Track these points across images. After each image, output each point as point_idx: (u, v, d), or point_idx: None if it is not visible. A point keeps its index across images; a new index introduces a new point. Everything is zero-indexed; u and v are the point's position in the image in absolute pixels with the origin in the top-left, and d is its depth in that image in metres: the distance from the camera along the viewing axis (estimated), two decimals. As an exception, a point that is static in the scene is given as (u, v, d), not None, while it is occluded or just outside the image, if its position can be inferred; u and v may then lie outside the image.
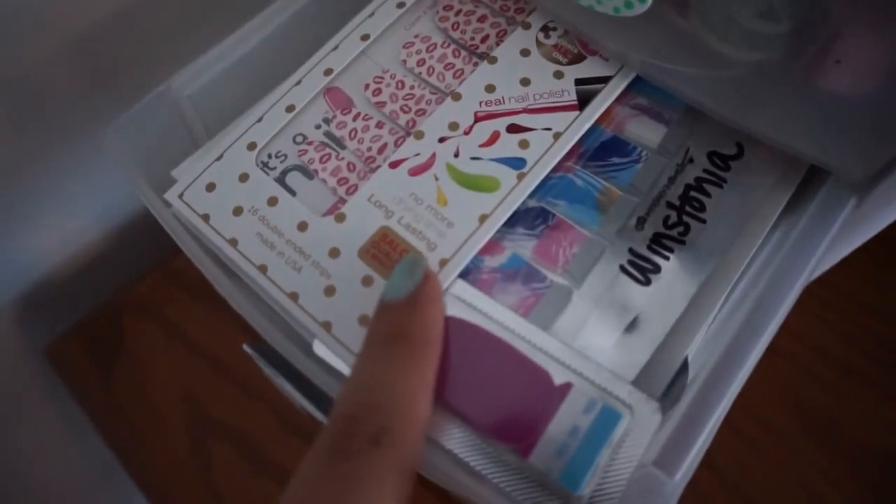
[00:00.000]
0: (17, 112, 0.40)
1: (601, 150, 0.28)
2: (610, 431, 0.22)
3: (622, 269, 0.25)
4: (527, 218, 0.27)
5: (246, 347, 0.32)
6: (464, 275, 0.25)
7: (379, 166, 0.28)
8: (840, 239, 0.25)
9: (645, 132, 0.28)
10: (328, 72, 0.30)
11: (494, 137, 0.27)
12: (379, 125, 0.29)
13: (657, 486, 0.21)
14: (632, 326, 0.25)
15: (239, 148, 0.28)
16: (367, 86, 0.30)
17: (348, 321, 0.25)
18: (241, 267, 0.26)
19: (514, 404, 0.23)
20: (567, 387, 0.23)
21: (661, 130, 0.28)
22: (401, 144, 0.28)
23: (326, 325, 0.25)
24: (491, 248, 0.26)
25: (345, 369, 0.25)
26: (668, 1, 0.24)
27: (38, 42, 0.38)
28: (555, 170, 0.27)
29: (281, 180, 0.28)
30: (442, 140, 0.28)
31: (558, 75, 0.28)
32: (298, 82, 0.30)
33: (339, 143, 0.29)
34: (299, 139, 0.29)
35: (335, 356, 0.25)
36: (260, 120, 0.29)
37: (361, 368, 0.22)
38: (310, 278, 0.25)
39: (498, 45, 0.29)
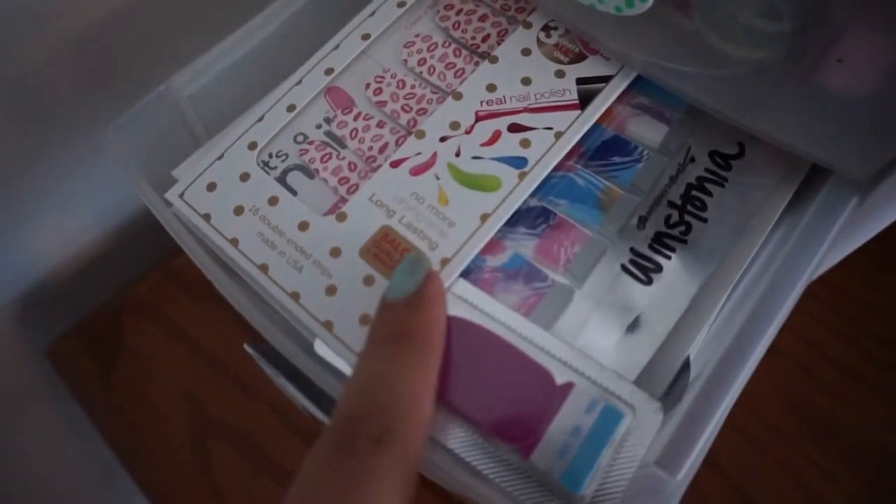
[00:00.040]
0: (17, 112, 0.40)
1: (602, 149, 0.28)
2: (612, 431, 0.22)
3: (624, 268, 0.25)
4: (528, 217, 0.26)
5: (247, 347, 0.32)
6: (465, 274, 0.25)
7: (380, 166, 0.28)
8: (841, 238, 0.25)
9: (646, 131, 0.28)
10: (329, 71, 0.30)
11: (496, 137, 0.27)
12: (380, 124, 0.29)
13: (659, 485, 0.21)
14: (633, 326, 0.25)
15: (240, 147, 0.28)
16: (367, 85, 0.30)
17: (350, 321, 0.25)
18: (242, 266, 0.26)
19: (516, 404, 0.23)
20: (569, 386, 0.23)
21: (662, 130, 0.28)
22: (402, 144, 0.28)
23: (328, 325, 0.25)
24: (492, 247, 0.26)
25: (346, 369, 0.25)
26: (670, 0, 0.24)
27: (38, 42, 0.38)
28: (556, 169, 0.27)
29: (282, 180, 0.28)
30: (443, 139, 0.28)
31: (559, 74, 0.28)
32: (299, 82, 0.30)
33: (340, 143, 0.29)
34: (300, 139, 0.29)
35: (336, 356, 0.25)
36: (261, 119, 0.29)
37: (364, 368, 0.22)
38: (311, 278, 0.25)
39: (499, 44, 0.29)
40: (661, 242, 0.26)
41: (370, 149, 0.28)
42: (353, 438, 0.20)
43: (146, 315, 0.47)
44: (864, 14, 0.21)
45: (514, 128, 0.27)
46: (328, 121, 0.29)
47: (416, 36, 0.31)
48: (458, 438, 0.23)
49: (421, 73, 0.30)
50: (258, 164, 0.28)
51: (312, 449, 0.20)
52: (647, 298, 0.25)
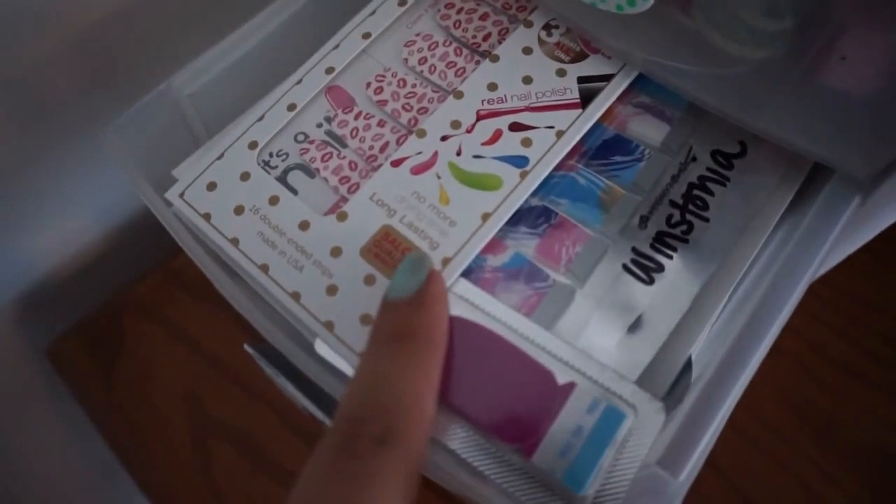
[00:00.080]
0: (17, 112, 0.40)
1: (604, 148, 0.28)
2: (614, 431, 0.22)
3: (625, 268, 0.25)
4: (529, 217, 0.26)
5: (247, 347, 0.32)
6: (466, 274, 0.25)
7: (381, 165, 0.27)
8: (844, 238, 0.25)
9: (648, 130, 0.28)
10: (329, 70, 0.30)
11: (497, 136, 0.27)
12: (381, 124, 0.29)
13: (661, 486, 0.21)
14: (635, 325, 0.24)
15: (240, 147, 0.28)
16: (368, 84, 0.30)
17: (350, 320, 0.25)
18: (242, 266, 0.26)
19: (517, 404, 0.23)
20: (570, 386, 0.23)
21: (663, 129, 0.28)
22: (403, 143, 0.28)
23: (328, 325, 0.25)
24: (493, 246, 0.26)
25: (347, 369, 0.24)
26: (672, -2, 0.24)
27: (38, 42, 0.38)
28: (557, 168, 0.27)
29: (282, 179, 0.28)
30: (444, 138, 0.27)
31: (561, 73, 0.28)
32: (299, 81, 0.30)
33: (341, 142, 0.29)
34: (301, 138, 0.29)
35: (337, 356, 0.25)
36: (261, 119, 0.29)
37: (365, 368, 0.22)
38: (311, 277, 0.25)
39: (500, 43, 0.29)
40: (662, 242, 0.26)
41: (371, 148, 0.28)
42: (356, 439, 0.20)
43: (146, 315, 0.47)
44: (868, 11, 0.21)
45: (516, 127, 0.27)
46: (329, 120, 0.29)
47: (417, 35, 0.31)
48: (459, 439, 0.23)
49: (422, 71, 0.30)
50: (258, 164, 0.28)
51: (315, 450, 0.20)
52: (648, 298, 0.25)
